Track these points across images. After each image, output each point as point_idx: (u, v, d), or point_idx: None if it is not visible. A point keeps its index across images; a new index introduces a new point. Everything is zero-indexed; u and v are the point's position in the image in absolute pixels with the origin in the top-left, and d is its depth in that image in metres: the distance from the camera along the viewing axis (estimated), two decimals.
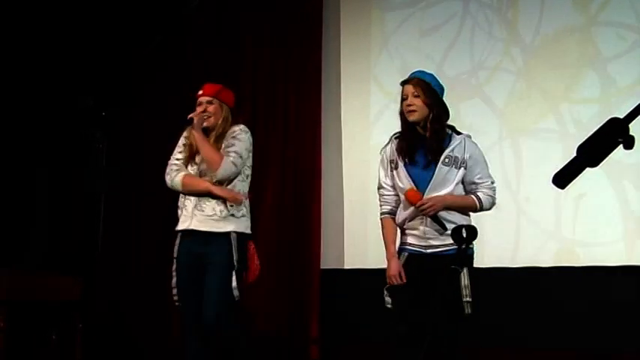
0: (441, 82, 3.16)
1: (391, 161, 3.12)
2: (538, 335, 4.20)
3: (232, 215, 3.24)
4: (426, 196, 2.99)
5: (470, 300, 2.90)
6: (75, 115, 5.29)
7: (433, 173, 3.02)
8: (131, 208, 5.62)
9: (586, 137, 1.27)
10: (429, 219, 3.01)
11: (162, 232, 5.52)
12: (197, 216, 3.28)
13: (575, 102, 4.40)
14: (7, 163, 5.29)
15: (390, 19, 5.08)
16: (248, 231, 3.32)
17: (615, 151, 1.27)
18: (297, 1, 5.35)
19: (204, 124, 3.32)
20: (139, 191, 5.62)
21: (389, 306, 3.05)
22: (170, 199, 5.55)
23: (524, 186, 4.45)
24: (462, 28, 4.80)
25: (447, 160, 3.03)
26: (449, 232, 2.92)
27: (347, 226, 4.97)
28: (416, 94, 3.05)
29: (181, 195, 3.40)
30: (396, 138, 3.15)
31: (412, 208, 3.03)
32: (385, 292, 3.06)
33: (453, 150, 3.05)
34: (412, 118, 3.05)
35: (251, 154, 3.38)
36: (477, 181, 3.09)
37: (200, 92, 3.42)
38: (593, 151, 1.23)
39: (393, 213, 3.14)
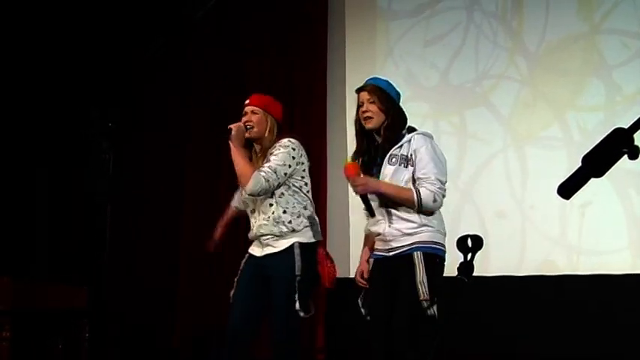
0: (397, 88, 3.09)
1: None
2: (543, 343, 4.18)
3: (293, 230, 3.15)
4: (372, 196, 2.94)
5: (427, 298, 2.78)
6: (79, 120, 5.30)
7: (379, 172, 2.96)
8: (135, 213, 5.63)
9: (591, 147, 1.27)
10: (388, 222, 2.94)
11: (166, 239, 5.56)
12: (262, 241, 3.20)
13: (580, 110, 4.40)
14: (10, 169, 5.30)
15: (395, 28, 5.10)
16: (313, 240, 3.20)
17: (620, 160, 1.27)
18: (302, 10, 5.37)
19: (247, 134, 3.22)
20: (141, 195, 5.62)
21: (368, 318, 3.00)
22: (172, 202, 5.61)
23: (530, 194, 4.45)
24: (467, 37, 4.82)
25: (393, 159, 2.95)
26: (409, 232, 2.89)
27: (352, 235, 4.96)
28: (371, 100, 2.99)
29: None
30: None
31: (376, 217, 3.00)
32: (360, 304, 3.03)
33: (400, 147, 2.97)
34: (369, 125, 3.00)
35: (302, 166, 3.24)
36: (421, 176, 2.91)
37: (247, 101, 3.31)
38: (598, 161, 1.23)
39: None
